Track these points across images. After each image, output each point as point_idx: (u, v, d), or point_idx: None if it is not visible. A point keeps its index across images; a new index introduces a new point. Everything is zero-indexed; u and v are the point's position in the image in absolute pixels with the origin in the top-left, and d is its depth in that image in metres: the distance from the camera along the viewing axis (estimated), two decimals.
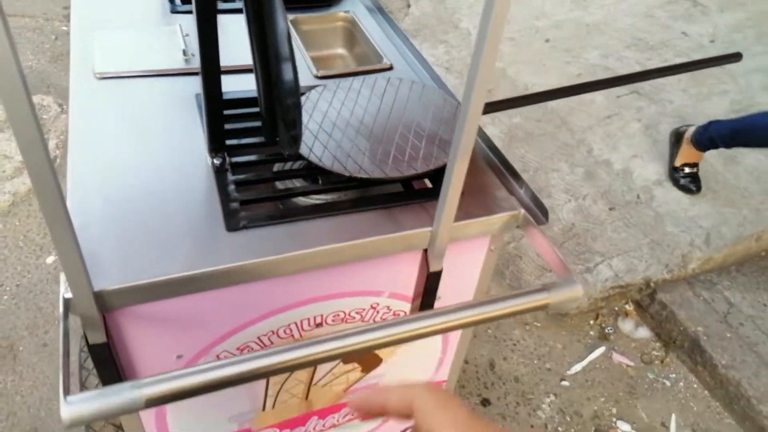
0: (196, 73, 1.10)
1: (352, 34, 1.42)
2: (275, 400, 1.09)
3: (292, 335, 0.97)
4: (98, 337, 0.76)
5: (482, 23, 0.63)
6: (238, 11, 1.36)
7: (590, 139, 2.58)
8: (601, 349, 1.98)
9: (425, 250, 0.92)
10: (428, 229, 0.88)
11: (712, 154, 2.36)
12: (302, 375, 1.07)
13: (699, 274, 2.09)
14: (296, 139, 0.90)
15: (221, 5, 1.34)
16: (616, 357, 1.96)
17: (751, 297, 2.02)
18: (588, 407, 1.82)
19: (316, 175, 0.97)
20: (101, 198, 0.86)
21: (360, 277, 0.93)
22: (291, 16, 1.37)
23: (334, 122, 1.02)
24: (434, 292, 0.98)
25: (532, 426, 1.75)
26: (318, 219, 0.88)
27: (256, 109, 0.98)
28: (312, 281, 0.89)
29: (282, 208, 0.92)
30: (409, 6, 3.59)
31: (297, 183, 0.99)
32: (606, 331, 2.04)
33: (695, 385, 1.90)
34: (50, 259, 2.07)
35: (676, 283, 2.05)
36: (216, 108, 0.91)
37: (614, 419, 1.80)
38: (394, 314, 1.04)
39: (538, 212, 0.97)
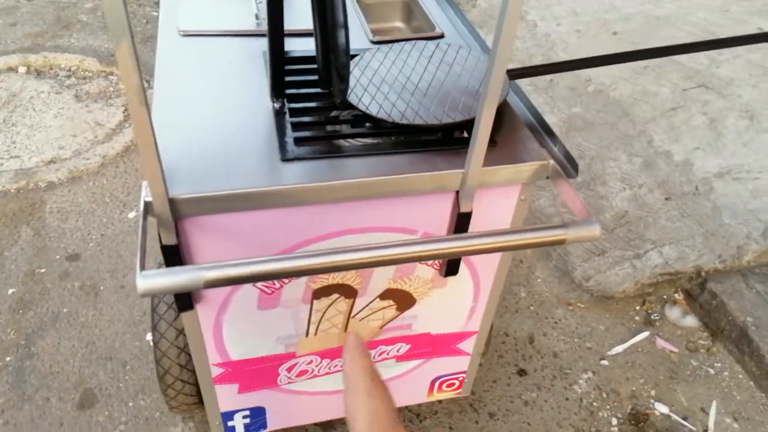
0: (265, 35, 1.24)
1: (410, 9, 1.52)
2: (317, 328, 1.21)
3: None
4: (170, 239, 0.90)
5: None
6: None
7: (652, 131, 2.56)
8: (645, 334, 1.99)
9: (457, 192, 1.01)
10: (460, 171, 0.97)
11: None
12: (342, 306, 1.18)
13: (754, 267, 2.05)
14: (345, 90, 1.02)
15: None
16: (660, 342, 1.96)
17: None
18: (626, 387, 1.84)
19: (363, 121, 1.08)
20: (180, 128, 1.00)
21: (397, 213, 1.03)
22: None
23: (383, 78, 1.13)
24: (466, 229, 1.06)
25: (566, 399, 1.79)
26: (361, 157, 0.99)
27: (313, 66, 1.11)
28: (352, 212, 1.00)
29: (330, 147, 1.03)
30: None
31: (345, 128, 1.10)
32: (652, 317, 2.04)
33: (740, 376, 1.88)
34: (131, 215, 2.30)
35: (728, 273, 2.02)
36: (278, 60, 1.04)
37: (652, 401, 1.81)
38: None
39: (568, 165, 1.03)
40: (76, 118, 2.73)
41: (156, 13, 3.58)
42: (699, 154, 2.42)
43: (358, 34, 1.33)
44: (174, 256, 0.91)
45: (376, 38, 1.31)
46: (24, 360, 1.80)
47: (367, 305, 1.20)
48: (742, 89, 2.66)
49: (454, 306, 1.27)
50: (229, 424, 1.37)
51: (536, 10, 3.41)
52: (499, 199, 1.07)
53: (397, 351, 1.33)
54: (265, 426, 1.42)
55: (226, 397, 1.29)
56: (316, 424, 1.65)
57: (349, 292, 1.15)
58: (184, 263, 0.94)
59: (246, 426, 1.40)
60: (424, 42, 1.25)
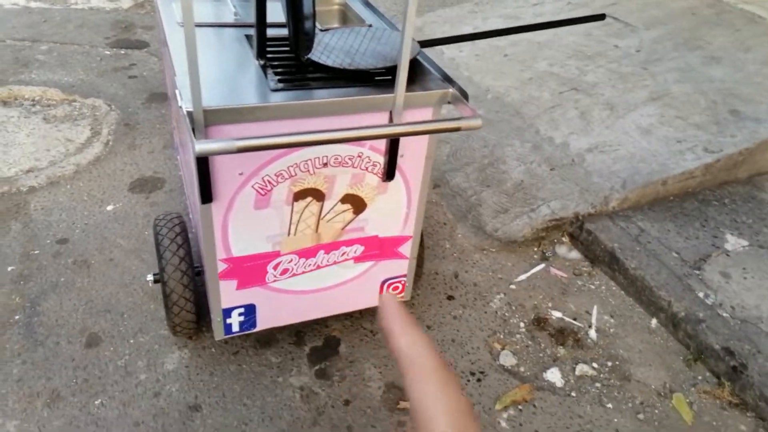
0: (241, 26, 1.74)
1: (345, 13, 2.06)
2: (296, 228, 1.66)
3: (308, 170, 1.55)
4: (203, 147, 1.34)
5: None
6: None
7: (538, 124, 3.22)
8: (541, 265, 2.54)
9: (391, 112, 1.52)
10: (391, 95, 1.48)
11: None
12: (314, 208, 1.64)
13: (618, 211, 2.67)
14: (310, 48, 1.52)
15: None
16: (553, 270, 2.52)
17: (658, 225, 2.60)
18: (529, 302, 2.36)
19: (324, 70, 1.57)
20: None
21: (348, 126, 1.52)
22: None
23: (333, 46, 1.64)
24: (397, 145, 1.57)
25: (485, 312, 2.29)
26: (325, 89, 1.48)
27: (285, 42, 1.60)
28: (319, 124, 1.48)
29: (303, 84, 1.52)
30: None
31: (311, 74, 1.59)
32: (546, 254, 2.61)
33: (614, 288, 2.45)
34: (110, 207, 2.64)
35: (599, 216, 2.63)
36: (262, 29, 1.53)
37: (549, 309, 2.34)
38: (373, 164, 1.62)
39: (462, 94, 1.57)
40: (48, 136, 3.06)
41: (108, 52, 3.99)
42: (574, 137, 3.08)
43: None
44: (203, 165, 1.36)
45: (323, 27, 1.83)
46: (32, 317, 2.09)
47: (332, 208, 1.66)
48: (604, 89, 3.40)
49: (393, 210, 1.76)
50: (228, 321, 1.76)
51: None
52: (418, 117, 1.59)
53: (355, 252, 1.79)
54: (255, 325, 1.82)
55: (227, 294, 1.70)
56: (289, 334, 2.05)
57: (319, 195, 1.61)
58: (209, 163, 1.39)
59: (240, 324, 1.79)
60: (359, 27, 1.79)
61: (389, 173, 1.64)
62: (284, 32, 1.56)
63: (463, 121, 1.43)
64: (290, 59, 1.60)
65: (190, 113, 1.30)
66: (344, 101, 1.45)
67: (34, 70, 3.67)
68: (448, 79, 1.63)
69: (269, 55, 1.60)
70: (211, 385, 1.92)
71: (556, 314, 2.31)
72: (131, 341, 2.04)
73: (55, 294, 2.19)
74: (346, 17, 2.06)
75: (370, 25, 1.88)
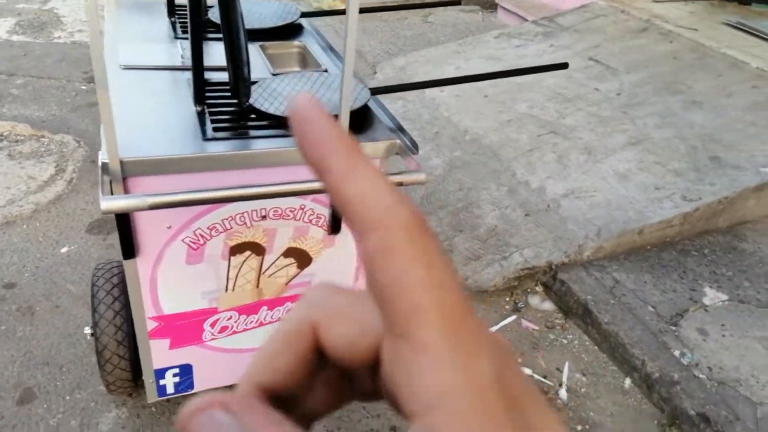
0: (188, 69, 1.67)
1: (304, 56, 2.00)
2: (234, 284, 1.55)
3: (245, 223, 1.45)
4: (119, 191, 1.25)
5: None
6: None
7: (515, 167, 3.14)
8: (512, 317, 2.42)
9: None
10: None
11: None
12: (254, 263, 1.53)
13: (593, 260, 2.57)
14: (248, 94, 1.44)
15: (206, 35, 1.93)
16: (524, 323, 2.40)
17: (634, 276, 2.49)
18: None
19: (261, 117, 1.49)
20: (126, 123, 1.38)
21: (288, 179, 1.43)
22: (260, 44, 1.95)
23: (277, 92, 1.56)
24: None
25: None
26: (264, 138, 1.40)
27: (226, 86, 1.53)
28: (255, 176, 1.39)
29: (236, 133, 1.43)
30: (375, 73, 4.29)
31: (246, 121, 1.51)
32: (518, 305, 2.49)
33: (587, 343, 2.33)
34: (64, 249, 2.54)
35: (573, 266, 2.53)
36: (199, 74, 1.45)
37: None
38: (317, 216, 1.52)
39: (411, 146, 1.48)
40: (9, 173, 2.97)
41: (84, 87, 3.94)
42: (550, 182, 3.00)
43: (261, 70, 1.78)
44: (123, 222, 1.26)
45: (276, 71, 1.76)
46: None
47: (273, 262, 1.56)
48: (582, 133, 3.34)
49: (342, 264, 1.65)
50: (161, 382, 1.64)
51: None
52: None
53: None
54: (192, 386, 1.70)
55: (159, 353, 1.58)
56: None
57: (258, 249, 1.51)
58: (130, 217, 1.29)
59: (175, 385, 1.67)
60: (310, 72, 1.71)
61: (334, 226, 1.54)
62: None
63: (405, 175, 1.34)
64: (231, 105, 1.52)
65: (105, 164, 1.21)
66: (279, 152, 1.36)
67: (6, 105, 3.60)
68: (400, 129, 1.55)
69: (211, 101, 1.52)
70: None
71: (526, 371, 2.19)
72: (67, 398, 1.91)
73: None
74: (305, 60, 1.99)
75: (326, 71, 1.81)
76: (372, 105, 1.64)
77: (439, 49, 4.57)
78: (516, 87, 3.87)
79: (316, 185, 1.32)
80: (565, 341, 2.34)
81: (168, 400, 1.90)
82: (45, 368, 2.00)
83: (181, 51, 1.78)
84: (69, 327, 2.16)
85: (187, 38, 1.90)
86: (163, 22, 2.02)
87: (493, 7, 5.94)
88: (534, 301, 2.51)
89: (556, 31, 4.50)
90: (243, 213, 1.44)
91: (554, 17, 4.70)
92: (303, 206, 1.49)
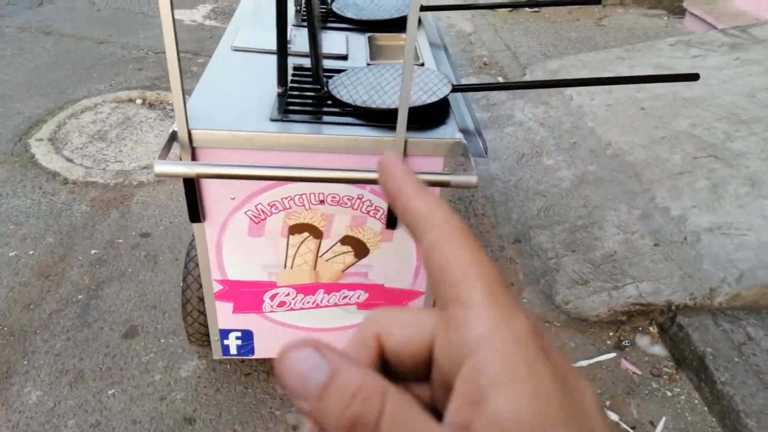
0: (292, 54, 1.74)
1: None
2: (293, 262, 1.59)
3: (303, 205, 1.48)
4: (187, 158, 1.35)
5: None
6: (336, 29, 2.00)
7: (656, 189, 2.79)
8: (611, 354, 2.16)
9: None
10: (392, 137, 1.36)
11: None
12: (311, 245, 1.56)
13: (726, 308, 2.19)
14: (323, 84, 1.46)
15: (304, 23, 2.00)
16: (625, 364, 2.13)
17: None
18: None
19: (336, 105, 1.50)
20: (210, 95, 1.48)
21: (349, 166, 1.42)
22: (369, 35, 1.97)
23: (361, 81, 1.56)
24: None
25: None
26: (332, 125, 1.41)
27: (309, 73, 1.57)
28: (319, 161, 1.41)
29: (306, 117, 1.46)
30: (524, 75, 4.10)
31: (319, 106, 1.53)
32: (623, 342, 2.22)
33: (696, 401, 2.00)
34: None
35: (698, 310, 2.18)
36: (282, 59, 1.51)
37: (605, 409, 1.97)
38: (375, 208, 1.50)
39: (478, 150, 1.39)
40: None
41: (195, 68, 4.33)
42: (695, 212, 2.62)
43: (359, 60, 1.79)
44: (190, 186, 1.36)
45: (371, 61, 1.76)
46: (91, 299, 2.29)
47: (330, 247, 1.57)
48: (750, 161, 2.85)
49: (400, 261, 1.61)
50: (225, 342, 1.75)
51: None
52: (425, 167, 1.44)
53: (358, 298, 1.67)
54: (252, 352, 1.79)
55: (224, 315, 1.69)
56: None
57: (316, 232, 1.54)
58: (196, 184, 1.39)
59: (238, 347, 1.77)
60: (401, 64, 1.69)
61: (391, 220, 1.51)
62: (336, 64, 1.53)
63: (455, 176, 1.26)
64: (312, 90, 1.56)
65: (174, 133, 1.31)
66: (338, 138, 1.36)
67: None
68: (477, 131, 1.46)
69: (295, 85, 1.57)
70: (212, 401, 1.92)
71: (612, 416, 1.95)
72: (162, 340, 2.13)
73: (119, 282, 2.38)
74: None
75: (422, 64, 1.77)
76: (453, 102, 1.56)
77: (602, 53, 4.22)
78: (681, 102, 3.43)
79: (371, 175, 1.30)
80: (669, 393, 2.03)
81: (242, 361, 2.04)
82: (152, 311, 2.25)
83: (290, 34, 1.87)
84: (181, 279, 2.40)
85: (304, 26, 1.99)
86: (290, 10, 2.13)
87: (681, 12, 5.33)
88: (643, 341, 2.22)
89: (747, 43, 3.89)
90: (302, 195, 1.47)
91: (748, 27, 4.07)
92: (361, 196, 1.48)
